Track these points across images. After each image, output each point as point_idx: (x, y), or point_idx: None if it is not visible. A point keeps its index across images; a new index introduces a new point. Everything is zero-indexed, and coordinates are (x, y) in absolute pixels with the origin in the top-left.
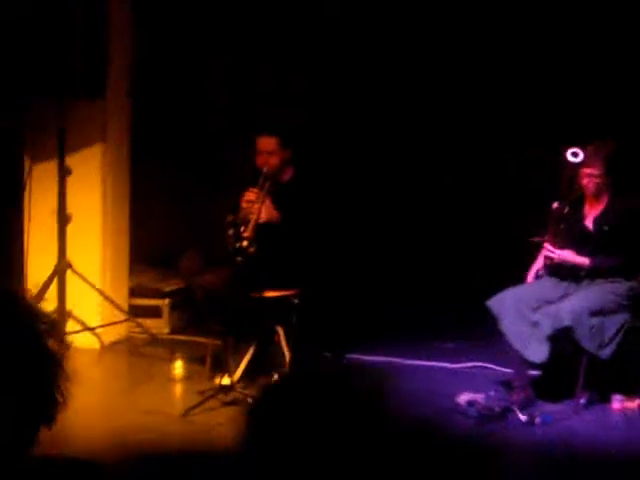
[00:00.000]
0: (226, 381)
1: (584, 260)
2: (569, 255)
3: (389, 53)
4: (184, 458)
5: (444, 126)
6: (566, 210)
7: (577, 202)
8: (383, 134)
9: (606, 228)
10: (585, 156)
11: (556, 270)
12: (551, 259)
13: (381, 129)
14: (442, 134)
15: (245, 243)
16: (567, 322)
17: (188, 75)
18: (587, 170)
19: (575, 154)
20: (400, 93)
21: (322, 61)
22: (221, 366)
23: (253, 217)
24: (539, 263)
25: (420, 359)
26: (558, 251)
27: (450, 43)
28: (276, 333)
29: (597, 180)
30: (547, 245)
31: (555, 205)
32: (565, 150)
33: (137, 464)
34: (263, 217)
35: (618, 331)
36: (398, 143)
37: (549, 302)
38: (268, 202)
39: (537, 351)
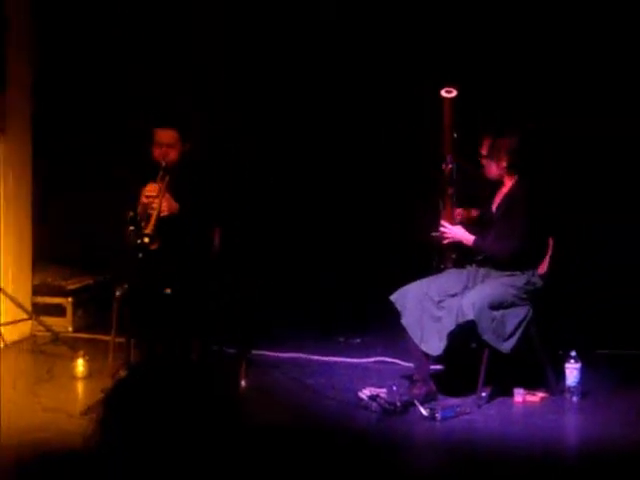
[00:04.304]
0: None
1: (469, 238)
2: (459, 232)
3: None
4: (83, 457)
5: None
6: (450, 167)
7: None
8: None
9: (500, 213)
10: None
11: (457, 257)
12: (444, 235)
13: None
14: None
15: (146, 240)
16: (470, 316)
17: (91, 67)
18: (481, 150)
19: (449, 91)
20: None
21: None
22: (124, 364)
23: (154, 212)
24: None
25: (325, 354)
26: (450, 227)
27: None
28: (184, 331)
29: (485, 160)
30: (443, 222)
31: (443, 166)
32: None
33: (36, 463)
34: (164, 210)
35: (519, 324)
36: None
37: (452, 295)
38: (168, 195)
39: (435, 344)
